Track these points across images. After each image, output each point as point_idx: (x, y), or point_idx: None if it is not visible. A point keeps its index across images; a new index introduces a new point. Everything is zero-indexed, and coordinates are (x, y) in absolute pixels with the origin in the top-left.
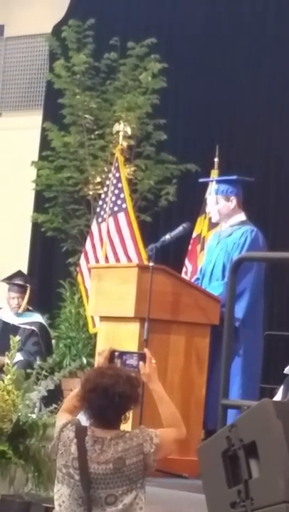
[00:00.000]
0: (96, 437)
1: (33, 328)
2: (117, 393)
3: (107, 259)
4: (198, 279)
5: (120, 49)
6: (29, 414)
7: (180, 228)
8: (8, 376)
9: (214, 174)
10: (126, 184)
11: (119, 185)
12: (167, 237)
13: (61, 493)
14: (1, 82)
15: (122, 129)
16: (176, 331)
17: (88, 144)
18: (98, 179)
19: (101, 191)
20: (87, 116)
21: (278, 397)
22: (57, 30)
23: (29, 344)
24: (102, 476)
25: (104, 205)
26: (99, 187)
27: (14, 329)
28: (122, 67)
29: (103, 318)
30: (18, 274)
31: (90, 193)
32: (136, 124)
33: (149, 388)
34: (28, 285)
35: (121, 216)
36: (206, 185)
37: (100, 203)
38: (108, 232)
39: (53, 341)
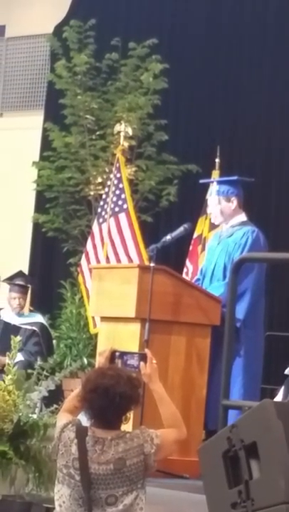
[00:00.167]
0: (97, 438)
1: (34, 328)
2: (117, 394)
3: (108, 259)
4: (198, 279)
5: (121, 49)
6: (30, 415)
7: (181, 229)
8: (9, 376)
9: (215, 175)
10: (127, 184)
11: (120, 185)
12: (168, 237)
13: (62, 494)
14: (2, 82)
15: (123, 129)
16: (177, 331)
17: (89, 144)
18: (99, 179)
19: (102, 192)
20: (88, 116)
21: (279, 397)
22: (58, 30)
23: (30, 344)
24: (103, 477)
25: (105, 206)
26: (100, 187)
27: (15, 329)
28: (123, 68)
29: (104, 319)
30: (19, 274)
31: (91, 193)
32: (137, 125)
33: (149, 389)
34: (29, 285)
35: (122, 216)
36: (207, 185)
37: (101, 203)
38: (109, 232)
39: (54, 342)
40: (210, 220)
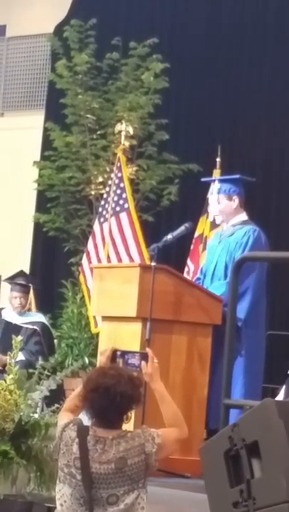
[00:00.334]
0: (98, 437)
1: (35, 327)
2: (118, 393)
3: (109, 259)
4: (198, 278)
5: (122, 49)
6: (31, 414)
7: (182, 228)
8: (11, 376)
9: (216, 174)
10: (128, 184)
11: (121, 185)
12: (169, 236)
13: (63, 493)
14: (3, 82)
15: (124, 128)
16: (178, 330)
17: (90, 143)
18: (100, 179)
19: (103, 191)
20: (89, 116)
21: (280, 396)
22: (59, 30)
23: (31, 343)
24: (104, 476)
25: (107, 205)
26: (101, 187)
27: (16, 329)
28: (123, 67)
29: (105, 318)
30: (20, 274)
31: (92, 192)
32: (138, 124)
33: (151, 388)
34: (30, 285)
35: (123, 216)
36: (208, 185)
37: (102, 202)
38: (110, 232)
39: (55, 341)
40: (211, 219)
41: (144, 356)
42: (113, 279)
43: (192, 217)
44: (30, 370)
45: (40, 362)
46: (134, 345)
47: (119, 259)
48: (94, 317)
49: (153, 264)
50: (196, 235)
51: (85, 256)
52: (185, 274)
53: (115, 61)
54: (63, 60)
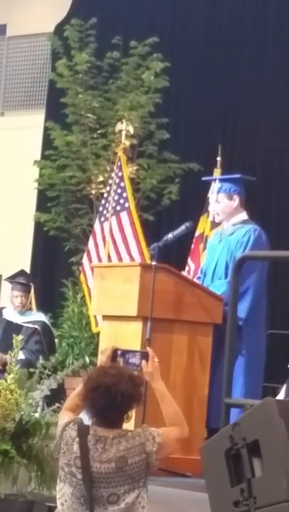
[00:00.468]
0: (98, 436)
1: (35, 326)
2: (119, 392)
3: (109, 258)
4: (198, 278)
5: (122, 48)
6: (32, 414)
7: (183, 227)
8: (11, 375)
9: (217, 173)
10: (128, 183)
11: (122, 184)
12: (170, 236)
13: (63, 492)
14: (3, 81)
15: (125, 128)
16: (178, 330)
17: (91, 143)
18: (101, 178)
19: (103, 190)
20: (89, 115)
21: (281, 395)
22: (59, 29)
23: (31, 343)
24: (105, 475)
25: (107, 204)
26: (101, 186)
27: (17, 328)
28: (124, 67)
29: (106, 317)
30: (21, 273)
31: (93, 192)
32: (138, 123)
33: (151, 387)
34: (31, 284)
35: (123, 215)
36: (208, 184)
37: (103, 202)
38: (111, 231)
39: (56, 340)
40: (212, 218)
41: (144, 355)
42: (114, 279)
43: (193, 216)
44: (31, 370)
45: (41, 361)
46: (135, 345)
47: (120, 259)
48: (94, 316)
49: (154, 263)
50: (197, 234)
51: (85, 255)
52: (185, 274)
53: (116, 60)
54: (64, 60)
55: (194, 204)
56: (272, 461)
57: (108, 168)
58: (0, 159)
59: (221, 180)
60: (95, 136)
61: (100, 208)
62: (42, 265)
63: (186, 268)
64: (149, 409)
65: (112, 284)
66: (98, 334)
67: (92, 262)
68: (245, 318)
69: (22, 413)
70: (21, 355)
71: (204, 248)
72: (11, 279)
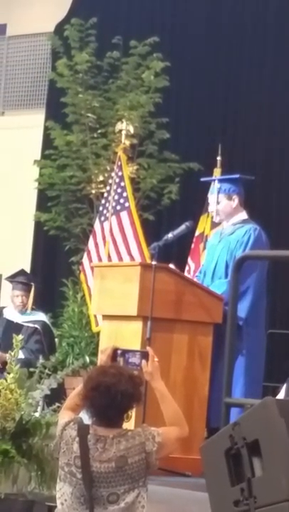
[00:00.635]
0: (98, 436)
1: (36, 326)
2: (119, 392)
3: (109, 257)
4: (197, 277)
5: (123, 48)
6: (32, 413)
7: (183, 227)
8: (11, 375)
9: (217, 173)
10: (129, 183)
11: (122, 183)
12: (170, 235)
13: (63, 492)
14: (3, 81)
15: (125, 127)
16: (179, 329)
17: (91, 142)
18: (101, 178)
19: (104, 190)
20: (89, 115)
21: (281, 395)
22: (59, 29)
23: (31, 342)
24: (105, 475)
25: (107, 204)
26: (102, 186)
27: (17, 327)
28: (124, 66)
29: (106, 317)
30: (21, 273)
31: (93, 191)
32: (138, 123)
33: (151, 387)
34: (32, 283)
35: (124, 215)
36: (208, 183)
37: (103, 201)
38: (111, 230)
39: (56, 340)
40: (212, 218)
41: (144, 355)
42: (114, 278)
43: (193, 216)
44: (31, 369)
45: (41, 361)
46: (135, 344)
47: (120, 258)
48: (95, 316)
49: (154, 263)
50: (197, 233)
51: (85, 255)
52: (186, 273)
53: (116, 60)
54: (64, 59)
55: (194, 204)
56: (273, 460)
57: (108, 168)
58: (0, 159)
59: (220, 181)
60: (95, 135)
61: (100, 208)
62: (42, 265)
63: (186, 268)
64: (149, 409)
65: (112, 283)
66: (98, 334)
67: (93, 262)
68: (245, 318)
69: (22, 413)
70: (21, 355)
71: (204, 248)
72: (12, 278)
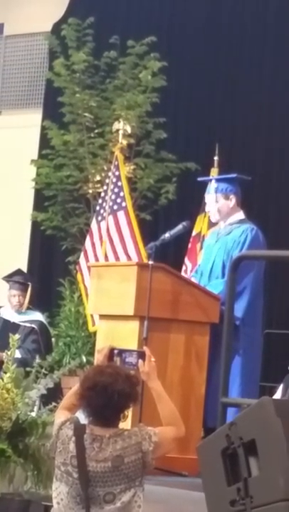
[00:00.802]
0: (95, 435)
1: (33, 326)
2: (116, 391)
3: (106, 257)
4: (193, 276)
5: (120, 47)
6: (28, 413)
7: (180, 226)
8: (8, 374)
9: (214, 173)
10: (126, 182)
11: (119, 183)
12: (167, 235)
13: (59, 491)
14: (0, 80)
15: (122, 127)
16: (175, 329)
17: (88, 142)
18: (98, 177)
19: (101, 190)
20: (86, 114)
21: (278, 395)
22: (56, 28)
23: (28, 342)
24: (101, 474)
25: (104, 204)
26: (98, 185)
27: (14, 327)
28: (121, 66)
29: (103, 317)
30: (18, 272)
31: (90, 191)
32: (136, 123)
33: (148, 386)
34: (28, 283)
35: (121, 215)
36: (205, 183)
37: (100, 201)
38: (108, 230)
39: (53, 340)
40: (208, 217)
41: (141, 355)
42: (111, 278)
43: (190, 215)
44: (28, 369)
45: (38, 360)
46: (132, 344)
47: (117, 258)
48: (91, 315)
49: (150, 262)
50: (194, 233)
51: (82, 254)
52: (182, 273)
53: (113, 60)
54: (61, 59)
55: (191, 203)
56: (269, 460)
57: (105, 168)
58: None
59: (217, 181)
60: (92, 135)
61: (97, 207)
62: (39, 264)
63: (183, 267)
64: (146, 409)
65: (109, 283)
66: (95, 333)
67: (89, 262)
68: (242, 318)
69: (18, 412)
70: (18, 354)
71: (201, 247)
72: (8, 278)
